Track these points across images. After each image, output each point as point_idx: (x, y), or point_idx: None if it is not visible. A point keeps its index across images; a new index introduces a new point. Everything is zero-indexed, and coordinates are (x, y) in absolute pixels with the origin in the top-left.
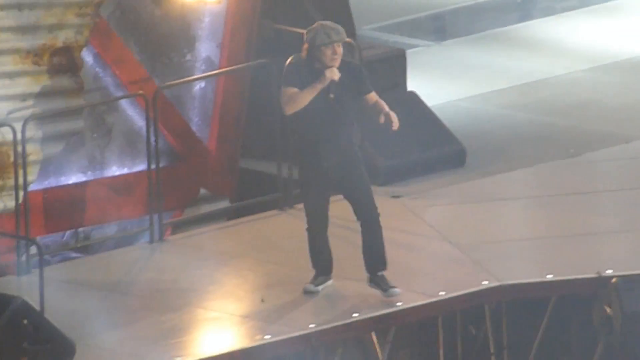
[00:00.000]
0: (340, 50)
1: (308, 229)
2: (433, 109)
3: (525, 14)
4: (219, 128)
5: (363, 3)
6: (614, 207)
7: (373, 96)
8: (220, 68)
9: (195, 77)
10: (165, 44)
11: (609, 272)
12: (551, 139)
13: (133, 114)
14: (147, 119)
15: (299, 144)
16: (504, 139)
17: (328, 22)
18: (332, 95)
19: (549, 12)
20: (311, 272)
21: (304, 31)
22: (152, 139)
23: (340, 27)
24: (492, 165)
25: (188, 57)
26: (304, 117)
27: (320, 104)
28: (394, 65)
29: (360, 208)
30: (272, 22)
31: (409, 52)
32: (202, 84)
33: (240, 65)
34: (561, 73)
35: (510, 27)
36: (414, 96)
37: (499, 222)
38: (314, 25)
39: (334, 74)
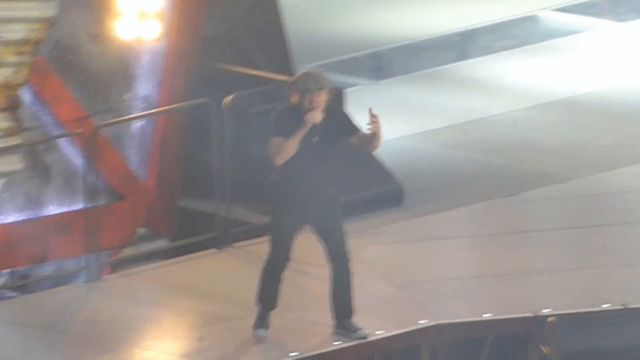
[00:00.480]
0: (319, 98)
1: (268, 263)
2: None
3: (463, 52)
4: (157, 167)
5: (302, 42)
6: (551, 247)
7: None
8: (159, 107)
9: (134, 115)
10: (103, 82)
11: (546, 311)
12: (489, 178)
13: (71, 153)
14: (85, 158)
15: (280, 185)
16: (441, 178)
17: (313, 70)
18: (315, 139)
19: (487, 51)
20: (250, 310)
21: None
22: (90, 177)
23: (322, 76)
24: (430, 204)
25: (127, 95)
26: (289, 163)
27: (304, 150)
28: (333, 104)
29: (334, 252)
30: (212, 61)
31: (347, 90)
32: (141, 122)
33: (179, 104)
34: (499, 112)
35: (448, 66)
36: None
37: (436, 261)
38: (300, 72)
39: (315, 117)
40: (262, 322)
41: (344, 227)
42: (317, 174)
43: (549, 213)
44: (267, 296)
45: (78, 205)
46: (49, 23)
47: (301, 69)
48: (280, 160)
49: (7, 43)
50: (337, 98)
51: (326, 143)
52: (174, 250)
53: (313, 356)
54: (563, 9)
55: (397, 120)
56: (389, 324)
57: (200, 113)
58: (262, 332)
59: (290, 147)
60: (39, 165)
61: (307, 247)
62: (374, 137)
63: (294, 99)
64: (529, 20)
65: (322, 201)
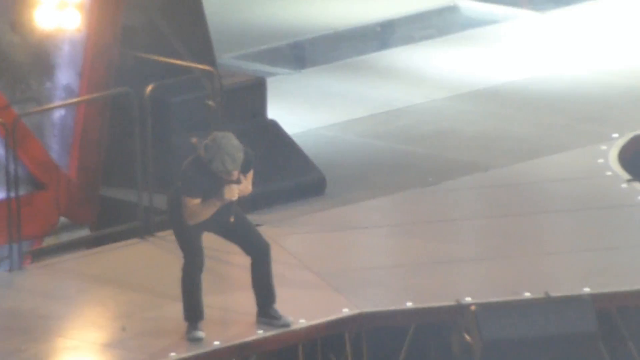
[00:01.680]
0: (236, 174)
1: (188, 269)
2: (293, 138)
3: (384, 42)
4: (79, 156)
5: (223, 31)
6: (473, 235)
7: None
8: (80, 96)
9: (55, 105)
10: (23, 71)
11: (468, 299)
12: (410, 167)
13: None
14: (7, 147)
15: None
16: (363, 167)
17: (226, 143)
18: (232, 219)
19: (407, 40)
20: (172, 300)
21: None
22: (12, 167)
23: (237, 153)
24: (352, 194)
25: (47, 85)
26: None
27: (216, 213)
28: (254, 94)
29: (255, 244)
30: (133, 51)
31: (269, 80)
32: (62, 112)
33: (100, 94)
34: (420, 101)
35: (368, 56)
36: (274, 124)
37: (358, 250)
38: (213, 139)
39: (233, 195)
40: (195, 326)
41: (249, 220)
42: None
43: (470, 202)
44: (194, 309)
45: None
46: None
47: (222, 58)
48: (194, 222)
49: None
50: (258, 88)
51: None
52: (96, 239)
53: (236, 345)
54: None
55: (318, 110)
56: (312, 312)
57: (122, 102)
58: (197, 333)
59: (205, 214)
60: None
61: None
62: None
63: (201, 153)
64: (449, 10)
65: (220, 216)
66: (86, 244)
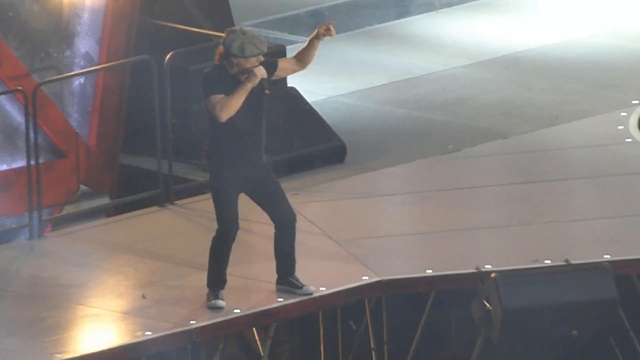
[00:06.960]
0: (258, 61)
1: (220, 237)
2: (313, 105)
3: (404, 10)
4: (98, 124)
5: None
6: (493, 203)
7: (283, 59)
8: (99, 64)
9: (74, 72)
10: (43, 40)
11: (488, 267)
12: (430, 135)
13: (12, 110)
14: (27, 115)
15: (221, 148)
16: (383, 135)
17: (247, 30)
18: (267, 92)
19: (427, 8)
20: (192, 268)
21: (222, 35)
22: (32, 135)
23: (261, 44)
24: (372, 161)
25: (67, 53)
26: (232, 120)
27: (250, 104)
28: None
29: (282, 213)
30: (152, 19)
31: (288, 48)
32: (82, 80)
33: (120, 61)
34: (439, 69)
35: (388, 24)
36: (294, 92)
37: (378, 218)
38: (235, 32)
39: (263, 72)
40: (216, 294)
41: (282, 188)
42: (261, 131)
43: (490, 169)
44: (218, 277)
45: (19, 163)
46: None
47: (242, 26)
48: (227, 115)
49: None
50: (278, 56)
51: (263, 97)
52: (116, 207)
53: (256, 313)
54: None
55: (338, 78)
56: (332, 280)
57: (141, 70)
58: (219, 302)
59: (238, 101)
60: None
61: (248, 203)
62: (312, 47)
63: (218, 57)
64: None
65: (255, 167)
66: (106, 212)
